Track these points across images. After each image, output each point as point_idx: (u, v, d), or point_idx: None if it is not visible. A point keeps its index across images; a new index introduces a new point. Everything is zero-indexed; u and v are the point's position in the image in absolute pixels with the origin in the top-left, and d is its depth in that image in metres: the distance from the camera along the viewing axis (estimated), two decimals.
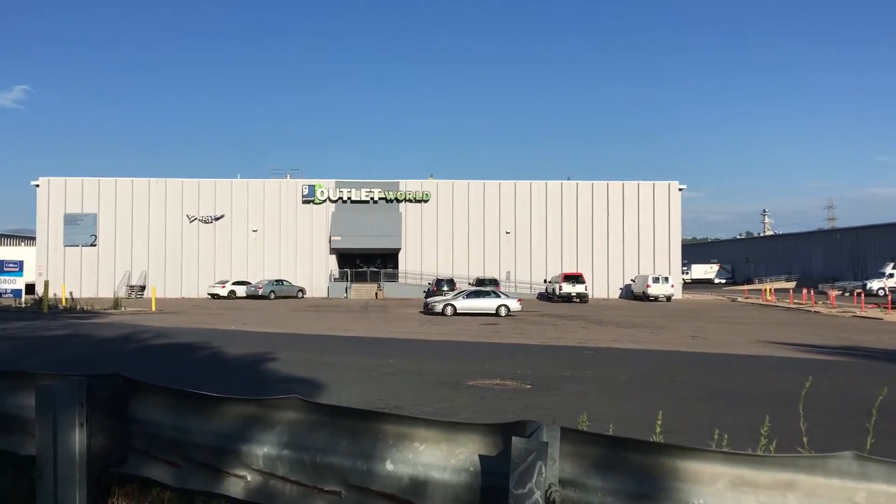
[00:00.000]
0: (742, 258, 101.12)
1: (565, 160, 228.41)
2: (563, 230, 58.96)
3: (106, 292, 53.41)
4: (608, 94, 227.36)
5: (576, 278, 49.84)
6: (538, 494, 3.09)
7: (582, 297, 48.83)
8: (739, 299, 53.52)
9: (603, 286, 57.89)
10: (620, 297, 57.59)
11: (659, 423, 4.51)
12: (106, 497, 4.95)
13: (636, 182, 59.84)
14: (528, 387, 11.30)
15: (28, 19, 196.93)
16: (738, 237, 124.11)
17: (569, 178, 60.77)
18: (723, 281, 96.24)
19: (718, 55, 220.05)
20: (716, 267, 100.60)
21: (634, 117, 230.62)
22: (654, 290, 51.05)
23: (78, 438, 4.31)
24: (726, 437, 4.40)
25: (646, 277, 52.67)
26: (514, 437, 3.17)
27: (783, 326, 27.44)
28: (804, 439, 4.22)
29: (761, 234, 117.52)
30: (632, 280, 56.30)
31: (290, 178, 60.70)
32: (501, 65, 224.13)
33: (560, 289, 49.07)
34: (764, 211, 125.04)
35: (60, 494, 4.25)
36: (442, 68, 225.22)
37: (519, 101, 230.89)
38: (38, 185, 57.55)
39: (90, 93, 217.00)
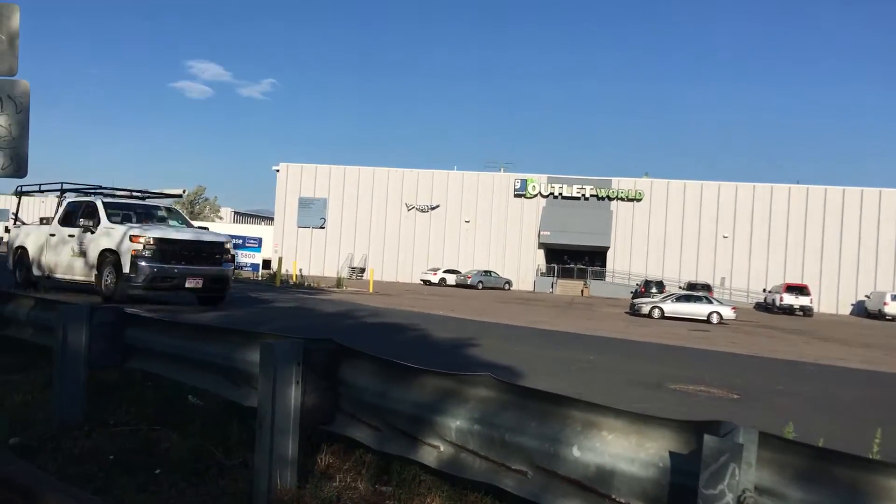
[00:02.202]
0: None
1: (793, 162, 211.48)
2: (789, 237, 54.93)
3: (330, 271, 57.60)
4: (854, 92, 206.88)
5: (800, 290, 46.28)
6: (730, 497, 2.96)
7: (806, 311, 45.23)
8: None
9: (831, 301, 53.25)
10: (851, 313, 52.66)
11: (877, 440, 4.10)
12: (315, 453, 5.41)
13: (877, 189, 54.41)
14: (736, 396, 10.70)
15: (277, 22, 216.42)
16: None
17: (798, 182, 56.37)
18: None
19: None
20: None
21: (881, 117, 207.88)
22: (893, 308, 46.06)
23: (293, 394, 4.73)
24: None
25: (883, 294, 47.70)
26: (706, 435, 3.06)
27: None
28: None
29: None
30: (866, 296, 51.19)
31: (504, 171, 61.73)
32: (726, 65, 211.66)
33: (781, 300, 45.80)
34: None
35: (276, 443, 4.69)
36: (663, 68, 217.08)
37: (743, 104, 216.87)
38: (277, 170, 63.25)
39: (328, 87, 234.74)
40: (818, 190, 55.29)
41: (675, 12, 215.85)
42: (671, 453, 3.39)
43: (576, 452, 3.69)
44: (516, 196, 59.20)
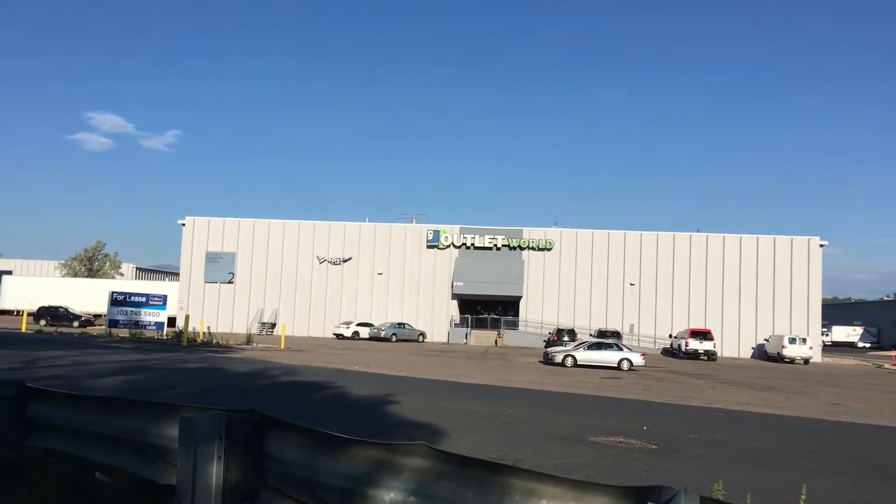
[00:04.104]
0: (889, 321, 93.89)
1: (698, 213, 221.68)
2: (692, 284, 56.94)
3: (240, 328, 55.96)
4: (751, 145, 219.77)
5: (704, 335, 47.86)
6: None
7: (710, 355, 46.77)
8: (886, 366, 49.64)
9: (733, 345, 55.26)
10: (752, 356, 54.72)
11: (803, 497, 4.19)
12: None
13: (772, 236, 57.19)
14: (654, 447, 10.86)
15: (180, 73, 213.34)
16: (886, 298, 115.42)
17: (698, 231, 58.84)
18: (867, 345, 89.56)
19: (870, 108, 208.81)
20: (860, 330, 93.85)
21: (776, 170, 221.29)
22: (790, 351, 48.17)
23: (216, 471, 4.49)
24: None
25: (781, 337, 49.82)
26: (649, 503, 3.05)
27: None
28: None
29: None
30: (765, 339, 53.38)
31: (416, 223, 61.93)
32: (624, 118, 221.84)
33: (686, 345, 47.20)
34: None
35: None
36: (569, 123, 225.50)
37: (647, 155, 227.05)
38: (183, 224, 61.43)
39: (235, 139, 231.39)
40: (717, 238, 57.75)
41: (571, 72, 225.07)
42: None
43: None
44: (429, 247, 59.36)
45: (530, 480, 3.71)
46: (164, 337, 40.71)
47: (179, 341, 37.07)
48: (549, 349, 37.03)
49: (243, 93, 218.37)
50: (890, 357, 59.69)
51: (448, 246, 59.38)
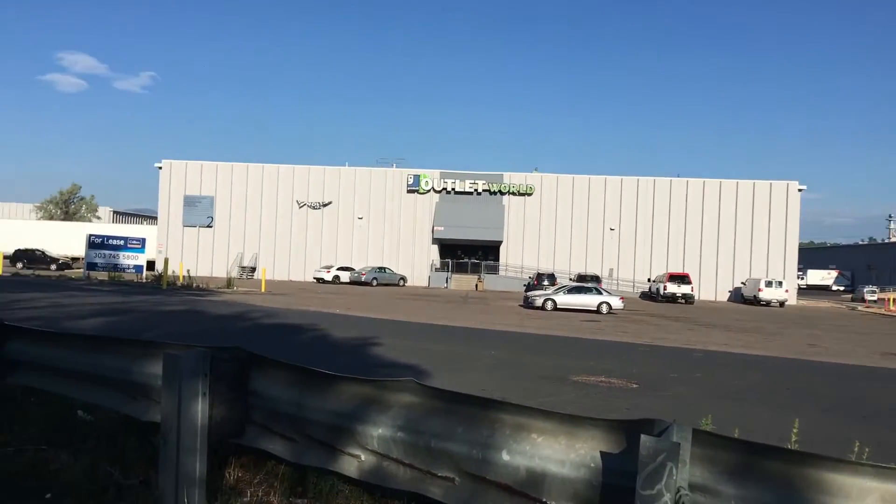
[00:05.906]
0: (863, 265, 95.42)
1: (676, 157, 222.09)
2: (671, 229, 57.30)
3: (219, 272, 55.73)
4: (729, 88, 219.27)
5: (682, 278, 48.37)
6: (667, 497, 2.93)
7: (687, 299, 47.36)
8: (860, 308, 50.58)
9: (710, 288, 55.99)
10: (729, 300, 55.53)
11: (795, 430, 4.23)
12: (223, 467, 5.11)
13: (751, 181, 57.45)
14: (635, 386, 10.99)
15: (154, 10, 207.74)
16: (860, 243, 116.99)
17: (678, 176, 58.92)
18: (841, 288, 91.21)
19: (848, 52, 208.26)
20: (834, 273, 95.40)
21: (756, 115, 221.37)
22: (767, 294, 48.90)
23: (200, 408, 4.43)
24: (867, 450, 4.08)
25: (758, 281, 50.52)
26: (643, 436, 3.02)
27: None
28: None
29: (886, 241, 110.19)
30: (742, 283, 54.12)
31: (396, 167, 61.45)
32: (611, 65, 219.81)
33: (665, 289, 47.72)
34: (889, 216, 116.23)
35: (182, 461, 4.38)
36: (552, 67, 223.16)
37: (628, 102, 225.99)
38: (160, 168, 60.59)
39: (212, 81, 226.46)
40: (697, 182, 57.94)
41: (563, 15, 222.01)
42: (602, 453, 3.34)
43: (505, 456, 3.59)
44: (409, 192, 59.10)
45: (520, 415, 3.68)
46: (144, 280, 40.48)
47: (159, 284, 36.88)
48: (529, 293, 37.26)
49: (219, 35, 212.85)
50: (862, 300, 60.82)
51: (428, 191, 59.12)
